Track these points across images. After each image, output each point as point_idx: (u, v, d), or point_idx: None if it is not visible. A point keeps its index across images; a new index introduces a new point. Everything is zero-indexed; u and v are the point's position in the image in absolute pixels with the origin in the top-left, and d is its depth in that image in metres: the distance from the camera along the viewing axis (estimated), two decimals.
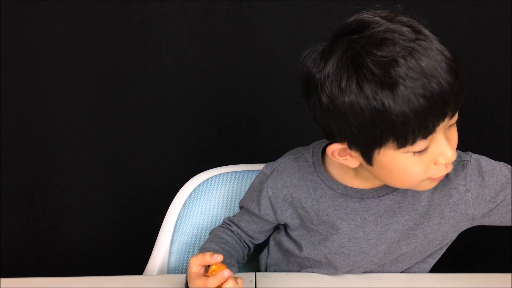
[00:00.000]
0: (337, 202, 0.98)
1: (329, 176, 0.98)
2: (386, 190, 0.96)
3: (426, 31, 0.83)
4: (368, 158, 0.85)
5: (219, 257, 0.91)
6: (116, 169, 1.67)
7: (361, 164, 0.89)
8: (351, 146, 0.86)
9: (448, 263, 1.64)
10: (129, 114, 1.65)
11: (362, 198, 0.97)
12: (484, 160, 0.97)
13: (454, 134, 0.86)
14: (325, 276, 1.06)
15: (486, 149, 1.58)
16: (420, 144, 0.81)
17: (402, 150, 0.82)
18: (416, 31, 0.81)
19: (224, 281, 0.89)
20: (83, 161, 1.66)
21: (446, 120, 0.81)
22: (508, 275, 1.04)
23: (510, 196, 0.95)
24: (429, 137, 0.81)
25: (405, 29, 0.80)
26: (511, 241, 1.59)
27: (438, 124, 0.80)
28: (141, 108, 1.64)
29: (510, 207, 0.96)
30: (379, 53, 0.78)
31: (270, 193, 1.02)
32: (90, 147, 1.65)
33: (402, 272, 1.05)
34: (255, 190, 1.05)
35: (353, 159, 0.89)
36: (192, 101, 1.64)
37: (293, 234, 1.05)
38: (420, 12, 1.51)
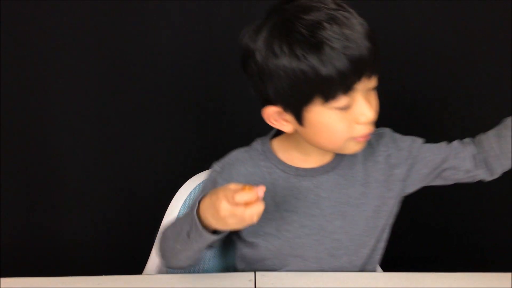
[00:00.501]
0: (291, 183, 1.05)
1: (280, 160, 1.06)
2: (332, 165, 1.06)
3: (347, 6, 0.94)
4: (299, 117, 0.96)
5: (261, 189, 0.87)
6: (115, 169, 1.67)
7: (296, 131, 1.00)
8: (285, 108, 0.96)
9: (448, 262, 1.65)
10: (128, 114, 1.65)
11: (313, 176, 1.05)
12: (395, 132, 1.12)
13: (374, 97, 0.97)
14: (325, 275, 1.06)
15: None
16: (341, 100, 0.92)
17: (327, 106, 0.92)
18: (338, 4, 0.93)
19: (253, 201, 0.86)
20: (82, 160, 1.66)
21: (365, 80, 0.92)
22: (508, 274, 1.04)
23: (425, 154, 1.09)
24: (350, 95, 0.92)
25: (328, 1, 0.93)
26: (511, 240, 1.60)
27: (357, 82, 0.91)
28: (140, 109, 1.64)
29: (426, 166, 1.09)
30: (306, 17, 0.90)
31: (225, 184, 1.04)
32: (89, 147, 1.66)
33: (366, 259, 1.08)
34: (209, 189, 1.05)
35: (288, 124, 0.99)
36: (192, 101, 1.64)
37: (246, 233, 1.07)
38: (420, 13, 1.52)
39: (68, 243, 1.70)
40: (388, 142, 1.10)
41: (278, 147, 1.08)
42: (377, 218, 1.08)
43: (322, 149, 1.02)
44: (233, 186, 0.89)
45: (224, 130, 1.63)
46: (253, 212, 0.86)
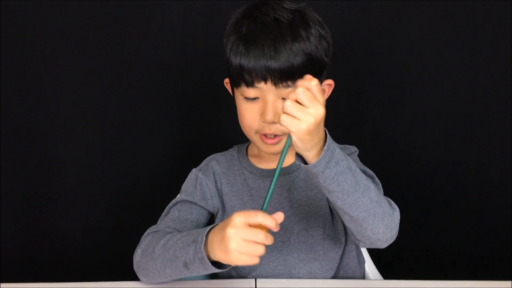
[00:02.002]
0: (256, 183, 1.15)
1: (249, 162, 1.17)
2: (292, 168, 1.15)
3: (303, 20, 1.04)
4: (234, 97, 1.10)
5: (279, 215, 0.87)
6: (115, 172, 1.67)
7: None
8: (231, 86, 1.11)
9: (448, 270, 1.66)
10: (128, 116, 1.64)
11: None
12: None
13: None
14: (327, 282, 1.06)
15: (486, 149, 1.61)
16: (246, 91, 1.03)
17: (239, 91, 1.06)
18: (292, 16, 1.04)
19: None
20: (82, 163, 1.66)
21: (273, 86, 1.01)
22: (508, 283, 1.04)
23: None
24: (257, 91, 1.02)
25: (285, 12, 1.04)
26: (511, 248, 1.60)
27: (259, 82, 1.01)
28: (140, 110, 1.64)
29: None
30: (253, 16, 1.04)
31: (205, 178, 1.16)
32: (89, 149, 1.65)
33: (337, 264, 1.10)
34: (191, 186, 1.16)
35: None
36: (192, 102, 1.64)
37: None
38: (420, 12, 1.52)
39: (67, 246, 1.69)
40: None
41: (250, 151, 1.20)
42: (336, 220, 1.11)
43: (248, 138, 1.11)
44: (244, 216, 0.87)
45: (225, 132, 1.63)
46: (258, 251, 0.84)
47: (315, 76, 0.90)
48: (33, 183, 1.65)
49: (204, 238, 0.91)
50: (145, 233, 1.08)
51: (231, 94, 1.13)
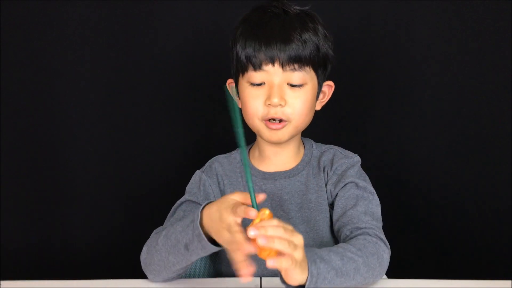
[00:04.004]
0: (257, 185, 1.16)
1: (252, 165, 1.19)
2: (293, 172, 1.17)
3: (307, 13, 1.11)
4: (238, 92, 1.13)
5: (261, 196, 0.91)
6: (122, 172, 1.68)
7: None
8: (235, 81, 1.14)
9: (448, 269, 1.67)
10: (135, 120, 1.66)
11: (275, 179, 1.17)
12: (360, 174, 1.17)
13: (294, 94, 1.08)
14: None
15: (486, 149, 1.62)
16: (252, 75, 1.07)
17: (245, 78, 1.09)
18: (300, 10, 1.11)
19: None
20: (89, 165, 1.67)
21: (280, 69, 1.06)
22: (508, 282, 1.05)
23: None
24: (261, 74, 1.06)
25: (292, 5, 1.11)
26: (511, 247, 1.61)
27: (266, 64, 1.06)
28: (147, 114, 1.65)
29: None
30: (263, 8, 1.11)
31: (208, 179, 1.18)
32: (96, 149, 1.66)
33: None
34: (195, 187, 1.17)
35: (238, 99, 1.15)
36: (199, 103, 1.65)
37: None
38: (425, 15, 1.52)
39: (73, 246, 1.70)
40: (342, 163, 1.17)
41: (252, 154, 1.21)
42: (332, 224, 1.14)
43: (251, 128, 1.14)
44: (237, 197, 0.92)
45: (230, 133, 1.63)
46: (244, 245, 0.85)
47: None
48: (41, 185, 1.67)
49: (199, 214, 0.94)
50: (152, 234, 1.09)
51: (233, 95, 1.15)
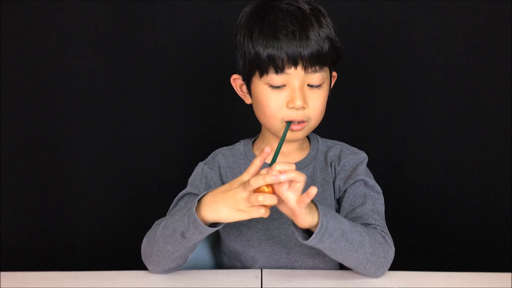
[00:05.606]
0: None
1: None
2: (301, 165, 1.16)
3: (318, 9, 1.09)
4: (249, 90, 1.12)
5: (266, 148, 0.96)
6: (122, 166, 1.68)
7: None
8: (243, 79, 1.12)
9: (449, 262, 1.68)
10: (137, 114, 1.66)
11: None
12: (366, 172, 1.17)
13: (315, 96, 1.08)
14: (331, 273, 1.08)
15: (486, 143, 1.62)
16: (273, 78, 1.06)
17: (263, 80, 1.07)
18: (309, 4, 1.09)
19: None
20: (91, 159, 1.67)
21: (302, 72, 1.05)
22: (508, 274, 1.06)
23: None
24: (285, 78, 1.05)
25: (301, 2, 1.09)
26: (511, 240, 1.61)
27: (289, 68, 1.05)
28: (149, 108, 1.65)
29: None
30: (275, 7, 1.07)
31: (210, 171, 1.18)
32: (97, 145, 1.66)
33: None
34: (197, 179, 1.17)
35: (247, 96, 1.15)
36: (199, 101, 1.65)
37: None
38: (427, 13, 1.52)
39: (74, 239, 1.70)
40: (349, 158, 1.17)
41: (256, 146, 1.21)
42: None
43: (266, 128, 1.14)
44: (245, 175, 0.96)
45: (232, 130, 1.65)
46: (265, 200, 0.91)
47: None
48: (43, 177, 1.67)
49: (197, 203, 0.98)
50: (153, 226, 1.10)
51: (237, 90, 1.15)
